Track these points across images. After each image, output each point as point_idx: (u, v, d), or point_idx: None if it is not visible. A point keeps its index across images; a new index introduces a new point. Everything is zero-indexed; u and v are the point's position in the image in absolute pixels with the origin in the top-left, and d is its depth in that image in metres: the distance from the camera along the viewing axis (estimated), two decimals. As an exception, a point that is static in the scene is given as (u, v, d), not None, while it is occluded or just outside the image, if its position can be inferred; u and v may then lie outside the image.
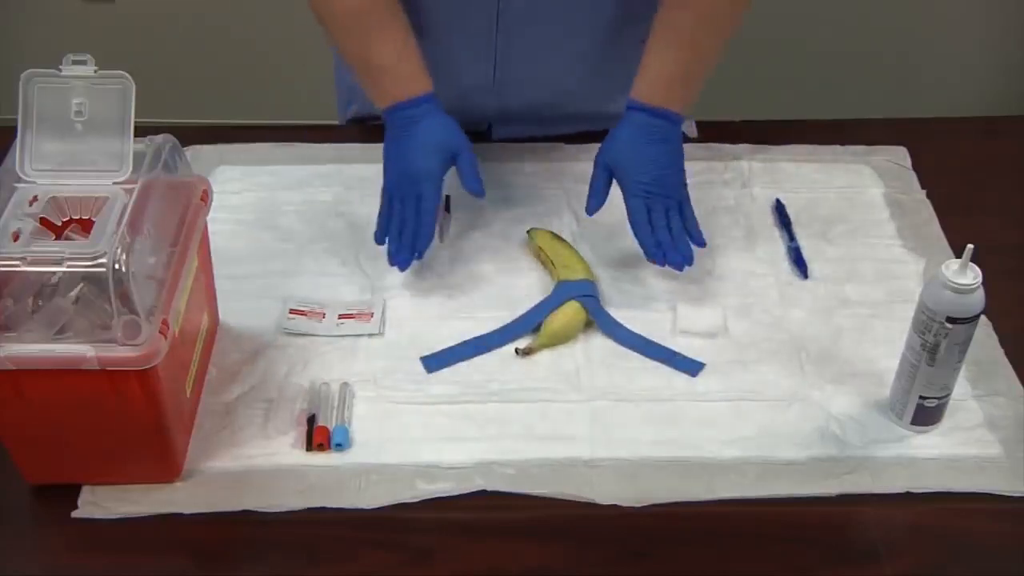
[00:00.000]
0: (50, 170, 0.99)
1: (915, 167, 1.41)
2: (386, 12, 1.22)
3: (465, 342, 1.17)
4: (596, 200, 1.24)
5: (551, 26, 1.30)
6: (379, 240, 1.23)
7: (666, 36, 1.22)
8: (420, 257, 1.21)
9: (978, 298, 0.99)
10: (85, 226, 0.98)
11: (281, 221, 1.33)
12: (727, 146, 1.43)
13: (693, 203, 1.23)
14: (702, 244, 1.22)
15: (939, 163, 1.41)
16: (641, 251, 1.22)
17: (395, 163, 1.23)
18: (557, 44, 1.32)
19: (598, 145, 1.26)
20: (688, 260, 1.20)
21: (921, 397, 1.05)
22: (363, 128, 1.47)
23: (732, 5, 1.23)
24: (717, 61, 1.25)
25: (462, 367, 1.15)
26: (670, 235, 1.21)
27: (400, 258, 1.20)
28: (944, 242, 1.29)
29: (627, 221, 1.34)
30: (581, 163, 1.39)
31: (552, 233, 1.27)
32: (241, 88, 2.55)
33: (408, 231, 1.21)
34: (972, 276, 0.98)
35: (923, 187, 1.38)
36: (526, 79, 1.35)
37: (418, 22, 1.27)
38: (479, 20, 1.29)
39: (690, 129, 1.47)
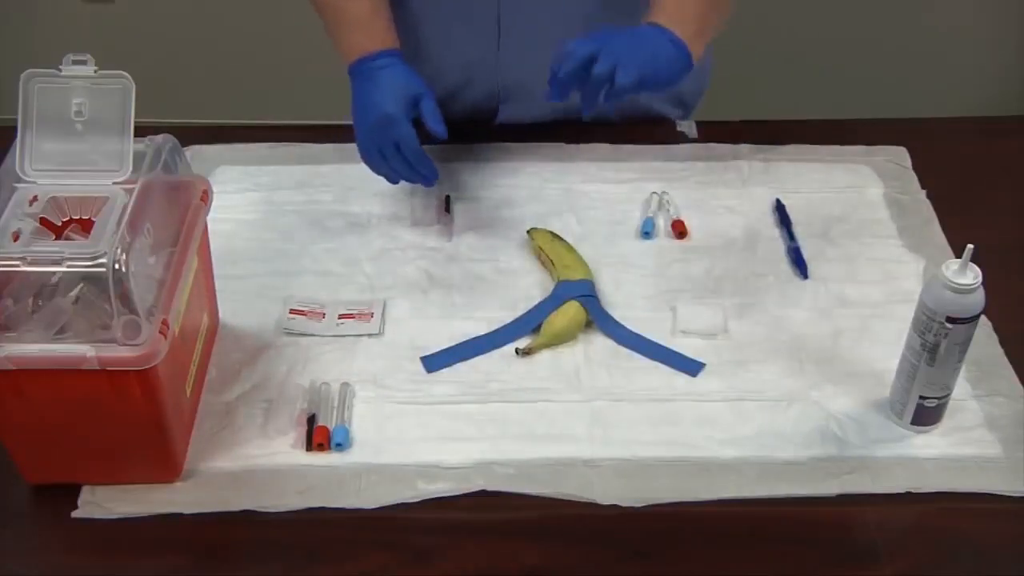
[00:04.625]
0: (50, 170, 0.99)
1: (915, 167, 1.41)
2: None
3: (465, 342, 1.17)
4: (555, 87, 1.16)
5: None
6: (395, 182, 1.28)
7: None
8: (435, 181, 1.27)
9: (978, 298, 0.99)
10: (85, 226, 0.98)
11: (281, 221, 1.33)
12: (727, 146, 1.43)
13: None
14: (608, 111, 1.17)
15: (939, 163, 1.41)
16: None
17: (363, 115, 1.25)
18: (559, 12, 1.32)
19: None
20: (586, 111, 1.17)
21: (921, 397, 1.05)
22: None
23: None
24: (727, 16, 1.23)
25: (462, 367, 1.15)
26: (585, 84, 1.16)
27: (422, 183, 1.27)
28: (944, 242, 1.29)
29: (626, 223, 1.34)
30: (581, 163, 1.40)
31: (552, 233, 1.27)
32: (241, 88, 2.55)
33: (407, 175, 1.25)
34: (972, 276, 0.98)
35: (923, 187, 1.38)
36: (530, 49, 1.34)
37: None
38: None
39: (690, 129, 1.47)
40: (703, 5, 1.21)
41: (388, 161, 1.25)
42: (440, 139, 1.23)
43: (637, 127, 1.45)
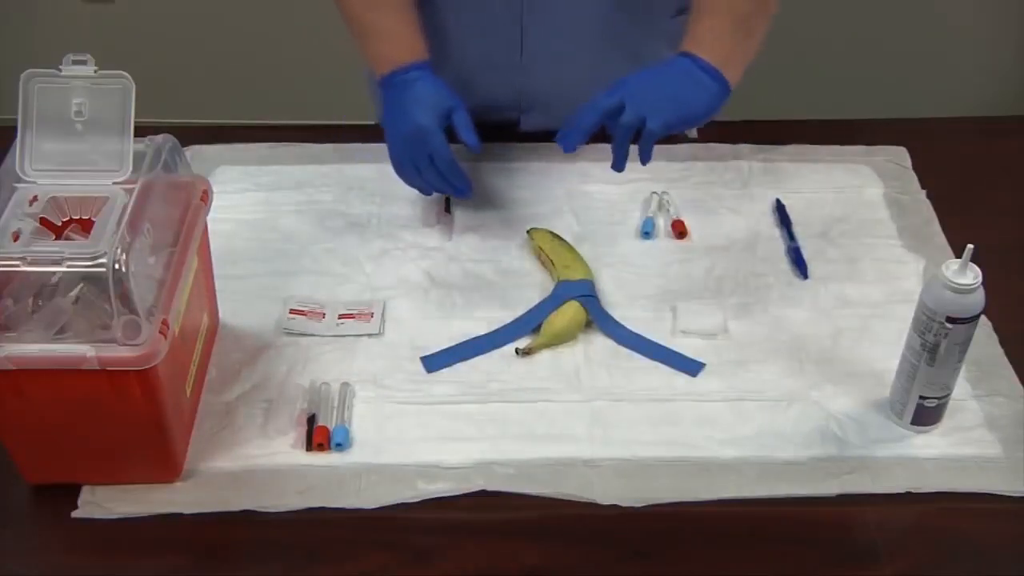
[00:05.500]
0: (50, 170, 0.99)
1: (915, 167, 1.41)
2: None
3: (465, 342, 1.17)
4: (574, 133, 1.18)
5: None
6: (428, 194, 1.30)
7: (717, 8, 1.21)
8: (469, 192, 1.28)
9: (978, 298, 0.99)
10: (85, 226, 0.98)
11: (281, 221, 1.33)
12: (727, 146, 1.43)
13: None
14: (644, 160, 1.19)
15: (939, 163, 1.41)
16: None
17: (396, 126, 1.25)
18: (582, 19, 1.31)
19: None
20: (617, 166, 1.19)
21: (921, 397, 1.05)
22: (363, 128, 1.47)
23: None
24: (761, 39, 1.23)
25: (462, 367, 1.15)
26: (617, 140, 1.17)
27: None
28: (944, 242, 1.29)
29: (626, 223, 1.34)
30: (582, 163, 1.39)
31: (552, 233, 1.27)
32: (241, 88, 2.55)
33: (440, 187, 1.26)
34: (972, 276, 0.98)
35: (923, 187, 1.38)
36: (553, 53, 1.34)
37: (444, 2, 1.27)
38: None
39: (690, 129, 1.47)
40: (737, 24, 1.19)
41: (422, 174, 1.24)
42: (474, 151, 1.24)
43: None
